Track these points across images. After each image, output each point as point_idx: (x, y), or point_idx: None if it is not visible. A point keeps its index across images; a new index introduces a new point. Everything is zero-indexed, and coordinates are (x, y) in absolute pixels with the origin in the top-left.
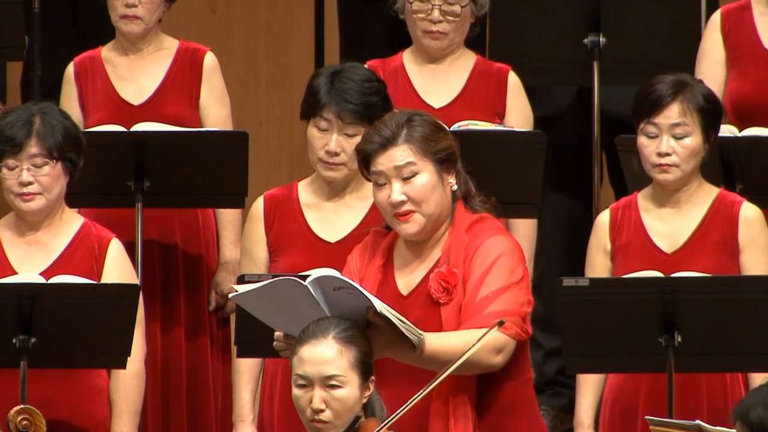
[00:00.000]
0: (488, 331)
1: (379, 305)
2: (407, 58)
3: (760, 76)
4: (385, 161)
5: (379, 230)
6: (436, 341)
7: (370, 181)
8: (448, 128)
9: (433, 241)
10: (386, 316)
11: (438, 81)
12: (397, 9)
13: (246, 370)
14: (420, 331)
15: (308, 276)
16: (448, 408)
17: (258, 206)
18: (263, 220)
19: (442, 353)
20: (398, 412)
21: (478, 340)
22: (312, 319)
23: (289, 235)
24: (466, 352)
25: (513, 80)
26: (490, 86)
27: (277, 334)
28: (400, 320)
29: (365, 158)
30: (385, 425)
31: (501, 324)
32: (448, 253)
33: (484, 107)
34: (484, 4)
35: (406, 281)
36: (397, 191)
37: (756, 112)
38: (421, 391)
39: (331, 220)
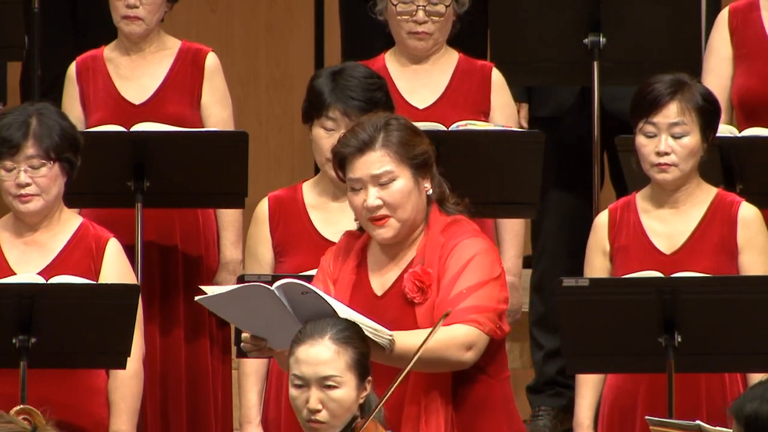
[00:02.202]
0: (438, 323)
1: (343, 311)
2: (389, 59)
3: (767, 72)
4: (362, 167)
5: (352, 232)
6: (406, 340)
7: (344, 182)
8: (433, 127)
9: (408, 242)
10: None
11: (422, 81)
12: (378, 11)
13: (253, 372)
14: (388, 333)
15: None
16: (419, 406)
17: (263, 207)
18: (268, 221)
19: (412, 351)
20: (375, 408)
21: (430, 333)
22: (280, 323)
23: (294, 236)
24: (424, 344)
25: (497, 77)
26: (474, 84)
27: (244, 335)
28: (367, 326)
29: (341, 161)
30: (365, 422)
31: (446, 315)
32: (423, 253)
33: (468, 105)
34: (465, 2)
35: (380, 282)
36: (372, 196)
37: (763, 107)
38: (390, 386)
39: (336, 220)
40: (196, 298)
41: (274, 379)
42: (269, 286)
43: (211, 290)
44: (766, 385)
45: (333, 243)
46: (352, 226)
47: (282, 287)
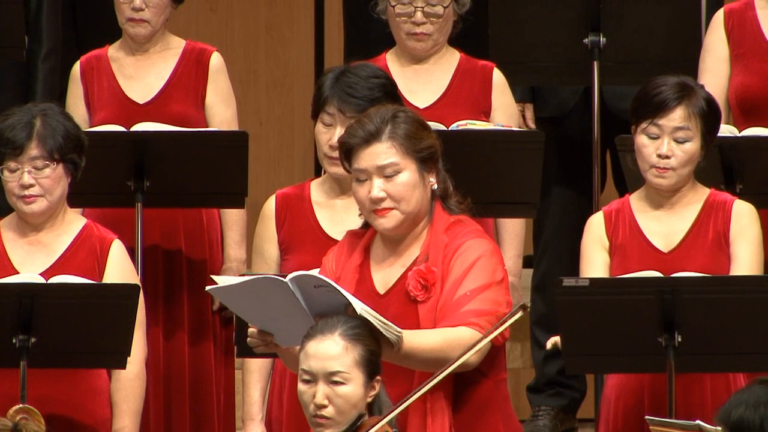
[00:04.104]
0: (513, 315)
1: (359, 306)
2: (391, 58)
3: (765, 70)
4: (367, 158)
5: (355, 231)
6: (414, 339)
7: (350, 173)
8: (434, 127)
9: (411, 239)
10: (365, 317)
11: (422, 80)
12: (379, 11)
13: (256, 369)
14: (398, 330)
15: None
16: (425, 405)
17: (270, 205)
18: (275, 218)
19: (419, 351)
20: (394, 409)
21: (501, 323)
22: (290, 317)
23: (299, 233)
24: (484, 338)
25: (498, 77)
26: (475, 84)
27: (251, 330)
28: (379, 320)
29: (347, 151)
30: (383, 422)
31: (525, 309)
32: (426, 252)
33: (469, 105)
34: (465, 3)
35: (383, 279)
36: (377, 188)
37: (762, 105)
38: (419, 387)
39: (341, 219)
40: (207, 288)
41: (278, 378)
42: (283, 278)
43: (221, 280)
44: (752, 390)
45: (338, 242)
46: (357, 224)
47: (295, 279)
